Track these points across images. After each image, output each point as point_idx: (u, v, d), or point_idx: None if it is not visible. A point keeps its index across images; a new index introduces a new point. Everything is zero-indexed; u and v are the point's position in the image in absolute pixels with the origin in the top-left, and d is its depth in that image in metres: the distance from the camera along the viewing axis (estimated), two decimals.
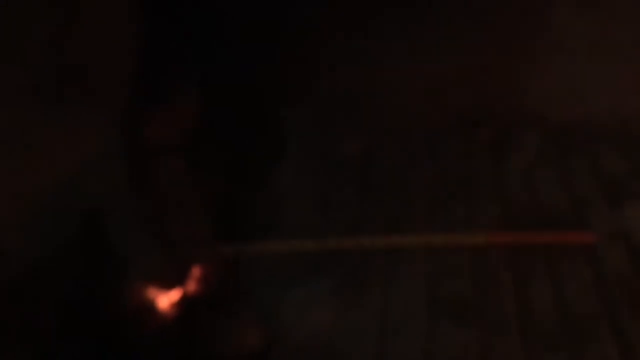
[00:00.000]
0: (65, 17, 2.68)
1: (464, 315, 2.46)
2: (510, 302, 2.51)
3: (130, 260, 2.18)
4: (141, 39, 2.57)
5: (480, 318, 2.46)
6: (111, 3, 2.72)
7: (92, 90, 2.74)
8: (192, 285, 2.26)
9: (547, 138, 3.17)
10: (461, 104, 3.18)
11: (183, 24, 2.51)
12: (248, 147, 2.61)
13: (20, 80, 2.51)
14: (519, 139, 3.16)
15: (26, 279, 2.16)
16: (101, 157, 2.30)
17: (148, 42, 2.56)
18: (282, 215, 2.62)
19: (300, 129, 2.77)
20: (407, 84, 3.14)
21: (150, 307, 2.18)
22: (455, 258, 2.64)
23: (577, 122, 3.16)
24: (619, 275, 2.57)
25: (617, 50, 3.15)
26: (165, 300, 2.21)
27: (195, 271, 2.27)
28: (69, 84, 2.67)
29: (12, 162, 2.44)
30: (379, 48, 3.13)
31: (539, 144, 3.16)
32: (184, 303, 2.22)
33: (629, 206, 2.84)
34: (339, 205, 2.80)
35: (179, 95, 2.27)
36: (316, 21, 2.89)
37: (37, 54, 2.54)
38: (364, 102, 3.15)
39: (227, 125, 2.56)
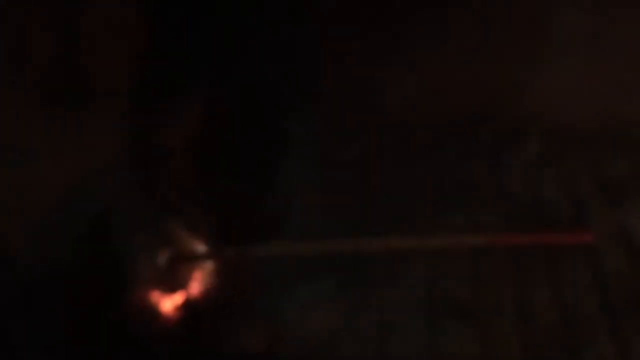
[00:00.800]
0: (70, 22, 2.70)
1: (464, 316, 2.49)
2: (510, 303, 2.54)
3: (134, 264, 2.20)
4: (147, 44, 2.60)
5: (480, 319, 2.48)
6: (117, 8, 2.75)
7: (98, 96, 2.77)
8: (195, 288, 2.29)
9: (548, 139, 3.18)
10: (462, 105, 3.19)
11: (188, 27, 2.54)
12: (252, 150, 2.64)
13: (26, 86, 2.53)
14: (520, 139, 3.17)
15: (36, 283, 2.18)
16: (108, 162, 2.32)
17: (154, 47, 2.59)
18: (285, 217, 2.65)
19: (302, 131, 2.79)
20: (408, 86, 3.15)
21: (153, 311, 2.21)
22: (456, 259, 2.67)
23: (577, 122, 3.17)
24: (619, 276, 2.59)
25: (617, 52, 3.16)
26: (169, 303, 2.24)
27: (199, 273, 2.30)
28: (75, 89, 2.70)
29: (21, 168, 2.47)
30: (380, 50, 3.14)
31: (539, 145, 3.17)
32: (187, 306, 2.25)
33: (629, 206, 2.86)
34: (340, 208, 2.82)
35: (185, 100, 2.30)
36: (318, 22, 2.90)
37: (43, 59, 2.56)
38: (365, 104, 3.17)
39: (232, 128, 2.59)
